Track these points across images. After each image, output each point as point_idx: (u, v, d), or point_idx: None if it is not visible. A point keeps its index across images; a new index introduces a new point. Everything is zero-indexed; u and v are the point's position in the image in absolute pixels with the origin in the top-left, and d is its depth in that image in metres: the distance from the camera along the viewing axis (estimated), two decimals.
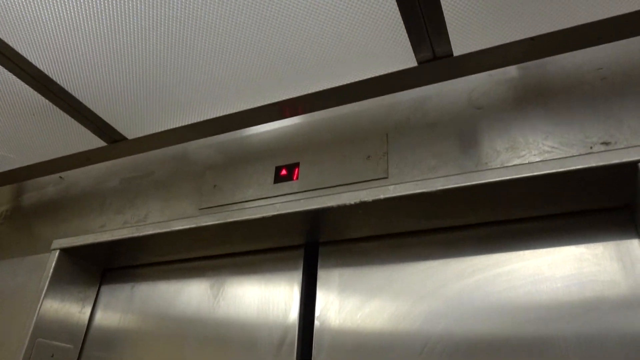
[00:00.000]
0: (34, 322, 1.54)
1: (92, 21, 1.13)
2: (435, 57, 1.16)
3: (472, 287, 1.22)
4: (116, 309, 1.71)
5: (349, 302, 1.35)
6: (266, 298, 1.46)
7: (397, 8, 1.04)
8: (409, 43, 1.12)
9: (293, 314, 1.40)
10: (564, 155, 1.09)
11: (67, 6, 1.10)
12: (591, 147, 1.08)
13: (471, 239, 1.28)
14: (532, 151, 1.13)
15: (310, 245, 1.49)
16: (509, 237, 1.24)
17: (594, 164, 1.02)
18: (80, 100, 1.39)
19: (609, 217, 1.16)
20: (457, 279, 1.25)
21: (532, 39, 1.08)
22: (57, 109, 1.42)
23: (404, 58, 1.17)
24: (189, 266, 1.66)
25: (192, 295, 1.59)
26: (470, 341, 1.16)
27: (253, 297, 1.49)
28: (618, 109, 1.10)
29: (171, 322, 1.57)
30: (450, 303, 1.22)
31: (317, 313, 1.36)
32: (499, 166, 1.15)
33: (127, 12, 1.10)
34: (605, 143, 1.07)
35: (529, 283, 1.16)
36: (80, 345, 1.67)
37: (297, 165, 1.42)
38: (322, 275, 1.43)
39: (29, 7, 1.11)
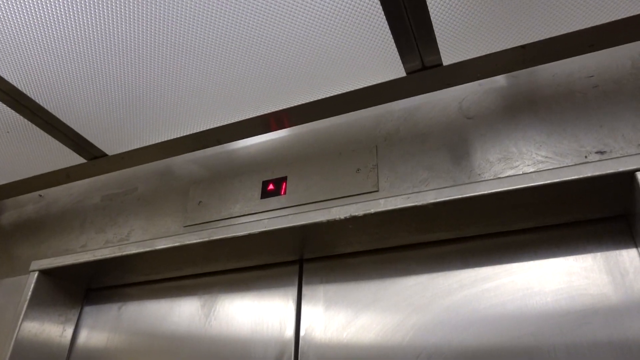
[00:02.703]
0: (11, 347, 1.47)
1: (67, 35, 1.08)
2: (424, 67, 1.13)
3: (461, 302, 1.18)
4: (102, 330, 1.63)
5: (335, 320, 1.30)
6: (260, 315, 1.41)
7: (385, 18, 1.01)
8: (397, 53, 1.09)
9: (289, 330, 1.34)
10: (559, 165, 1.06)
11: (40, 20, 1.05)
12: (586, 157, 1.05)
13: (459, 253, 1.25)
14: (526, 161, 1.11)
15: (302, 261, 1.45)
16: (497, 251, 1.21)
17: (589, 174, 0.99)
18: (57, 116, 1.33)
19: (603, 227, 1.14)
20: (445, 295, 1.21)
21: (523, 47, 1.06)
22: (33, 125, 1.36)
23: (392, 68, 1.14)
24: (179, 285, 1.60)
25: (182, 314, 1.53)
26: (461, 357, 1.12)
27: (246, 315, 1.43)
28: (611, 117, 1.08)
29: (162, 342, 1.51)
30: (438, 319, 1.18)
31: (302, 333, 1.32)
32: (492, 177, 1.12)
33: (104, 26, 1.06)
34: (600, 152, 1.04)
35: (518, 298, 1.13)
36: None
37: (284, 179, 1.38)
38: (307, 293, 1.38)
39: None
